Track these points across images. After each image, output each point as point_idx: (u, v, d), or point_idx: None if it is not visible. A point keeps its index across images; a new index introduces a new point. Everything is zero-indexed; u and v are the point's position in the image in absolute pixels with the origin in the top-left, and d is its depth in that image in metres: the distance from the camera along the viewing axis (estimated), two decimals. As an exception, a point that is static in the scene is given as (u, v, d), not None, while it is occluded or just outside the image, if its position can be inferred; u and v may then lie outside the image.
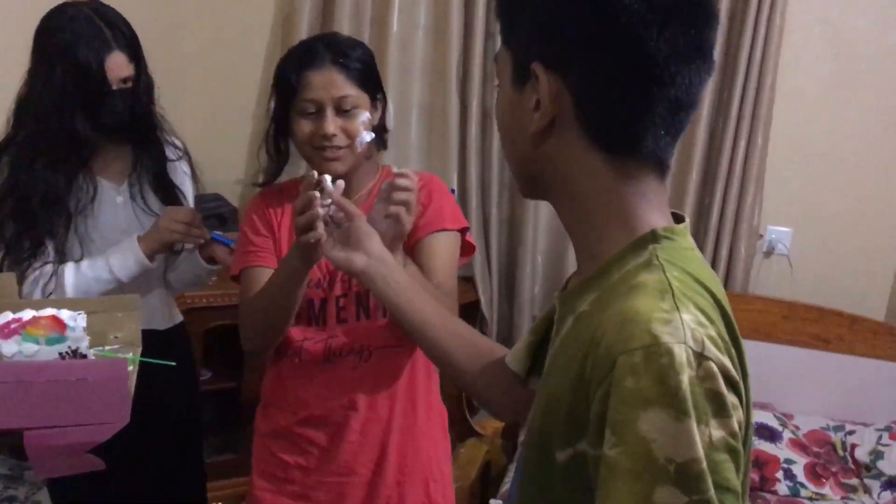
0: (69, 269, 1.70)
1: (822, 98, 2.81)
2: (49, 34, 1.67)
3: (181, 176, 1.89)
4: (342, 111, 1.54)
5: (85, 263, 1.72)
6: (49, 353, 0.97)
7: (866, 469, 2.42)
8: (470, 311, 2.89)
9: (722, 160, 2.80)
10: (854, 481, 2.42)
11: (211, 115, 2.91)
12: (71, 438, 1.02)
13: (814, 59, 2.80)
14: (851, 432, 2.54)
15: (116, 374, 0.97)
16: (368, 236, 1.23)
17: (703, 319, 0.74)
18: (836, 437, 2.54)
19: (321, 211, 1.26)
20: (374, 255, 1.21)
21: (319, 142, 1.53)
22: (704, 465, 0.69)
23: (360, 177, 1.63)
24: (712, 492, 0.69)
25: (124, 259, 1.71)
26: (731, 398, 0.72)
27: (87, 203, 1.72)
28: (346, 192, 1.60)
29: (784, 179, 2.85)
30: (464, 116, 2.92)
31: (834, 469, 2.44)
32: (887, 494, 2.31)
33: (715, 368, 0.71)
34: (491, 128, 2.93)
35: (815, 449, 2.49)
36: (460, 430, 2.44)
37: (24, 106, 1.69)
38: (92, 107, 1.67)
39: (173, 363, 0.99)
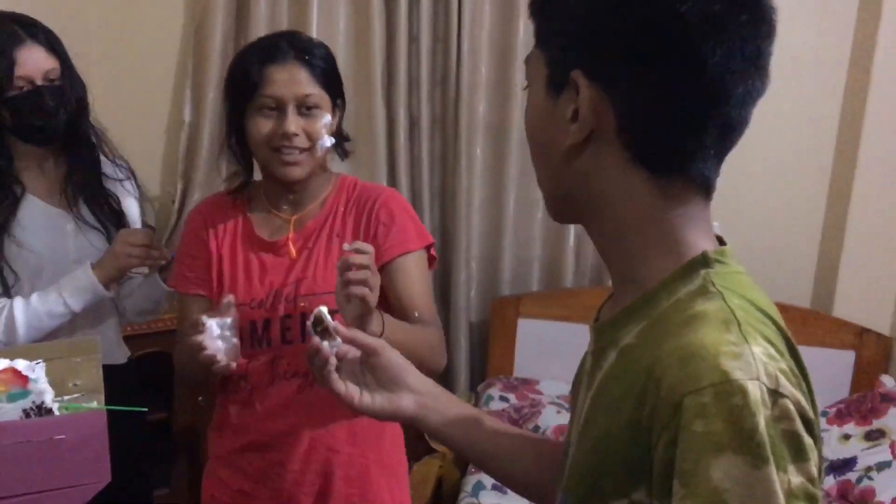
0: (18, 305, 1.56)
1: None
2: None
3: (126, 196, 1.76)
4: (304, 111, 1.46)
5: (35, 297, 1.58)
6: (11, 410, 0.85)
7: (807, 455, 2.48)
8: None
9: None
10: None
11: (121, 128, 2.74)
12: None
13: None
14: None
15: (94, 431, 0.86)
16: (405, 370, 1.03)
17: (773, 352, 0.68)
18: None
19: (327, 352, 1.03)
20: (420, 391, 1.02)
21: (279, 142, 1.45)
22: None
23: (315, 186, 1.55)
24: None
25: (79, 290, 1.58)
26: (807, 439, 0.66)
27: (16, 224, 1.60)
28: (299, 202, 1.53)
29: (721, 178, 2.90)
30: (390, 125, 2.86)
31: (775, 456, 2.50)
32: (830, 479, 2.38)
33: (791, 406, 0.65)
34: (419, 135, 2.87)
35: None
36: (416, 449, 2.37)
37: None
38: (9, 109, 1.56)
39: (145, 409, 0.89)
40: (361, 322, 1.29)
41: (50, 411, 0.88)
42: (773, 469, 0.62)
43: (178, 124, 2.82)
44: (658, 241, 0.76)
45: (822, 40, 2.80)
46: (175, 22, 2.82)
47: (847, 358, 2.74)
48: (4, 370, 0.86)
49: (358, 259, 1.27)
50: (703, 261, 0.74)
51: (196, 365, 1.37)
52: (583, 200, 0.78)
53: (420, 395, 1.02)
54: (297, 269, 1.51)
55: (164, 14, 2.82)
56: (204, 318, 1.33)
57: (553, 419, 2.54)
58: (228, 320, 1.36)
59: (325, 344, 1.01)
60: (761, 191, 2.91)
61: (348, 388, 1.02)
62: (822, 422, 2.54)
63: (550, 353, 2.82)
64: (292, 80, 1.44)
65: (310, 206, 1.55)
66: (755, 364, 0.65)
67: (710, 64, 0.70)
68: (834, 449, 2.44)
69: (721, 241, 0.80)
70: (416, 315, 1.48)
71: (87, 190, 1.70)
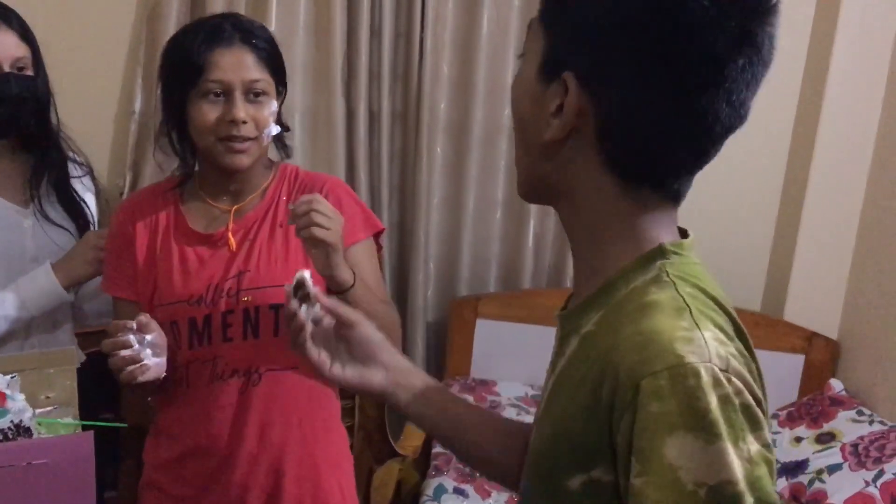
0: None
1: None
2: None
3: (84, 193, 1.68)
4: (251, 97, 1.40)
5: None
6: None
7: (760, 457, 2.53)
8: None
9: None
10: (748, 469, 2.52)
11: (67, 117, 2.62)
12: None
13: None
14: (741, 421, 2.64)
15: (81, 454, 0.80)
16: (379, 346, 1.04)
17: (722, 337, 0.72)
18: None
19: (304, 317, 1.02)
20: (392, 367, 1.03)
21: (226, 130, 1.38)
22: (741, 485, 0.67)
23: (256, 175, 1.49)
24: None
25: (38, 292, 1.50)
26: (757, 410, 0.71)
27: None
28: (240, 192, 1.47)
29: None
30: (350, 119, 2.80)
31: (728, 458, 2.53)
32: (782, 481, 2.42)
33: (741, 385, 0.70)
34: (378, 131, 2.82)
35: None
36: (380, 452, 2.33)
37: None
38: None
39: (124, 424, 0.83)
40: (329, 267, 1.27)
41: (28, 430, 0.82)
42: (726, 444, 0.67)
43: (127, 114, 2.71)
44: (622, 235, 0.80)
45: (777, 43, 2.84)
46: (127, 7, 2.70)
47: (796, 361, 2.80)
48: None
49: (300, 202, 1.26)
50: (660, 252, 0.79)
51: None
52: (554, 187, 0.82)
53: (391, 371, 1.02)
54: (238, 262, 1.45)
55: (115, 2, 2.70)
56: (131, 337, 1.26)
57: (513, 421, 2.53)
58: (148, 337, 1.28)
59: (304, 309, 1.00)
60: (713, 193, 2.92)
61: (321, 356, 1.02)
62: (774, 423, 2.60)
63: (508, 355, 2.81)
64: (239, 64, 1.38)
65: (250, 196, 1.49)
66: (706, 348, 0.69)
67: (696, 103, 0.74)
68: (786, 451, 2.49)
69: (684, 235, 0.84)
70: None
71: (54, 186, 1.61)
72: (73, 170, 1.67)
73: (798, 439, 2.52)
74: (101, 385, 2.47)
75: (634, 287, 0.77)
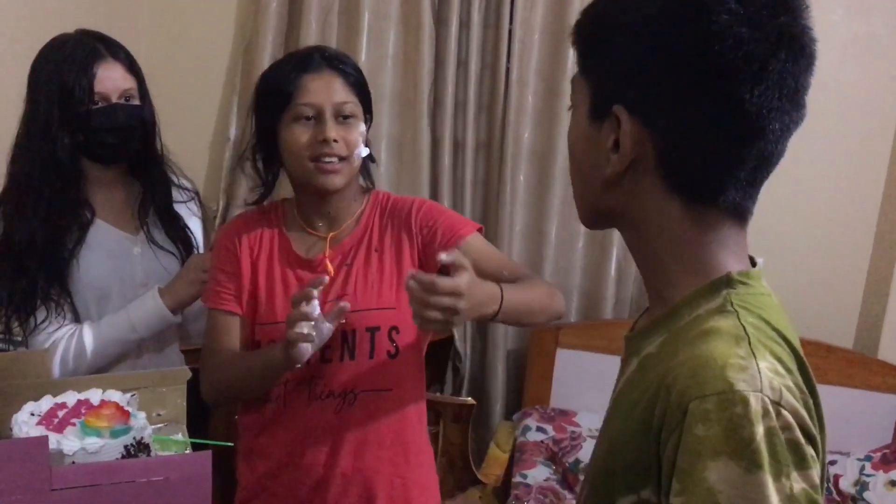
0: (87, 332, 1.54)
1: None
2: (37, 65, 1.52)
3: (189, 217, 1.75)
4: (340, 119, 1.45)
5: (104, 323, 1.56)
6: (114, 447, 0.82)
7: (853, 501, 2.44)
8: (444, 346, 2.80)
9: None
10: (840, 513, 2.43)
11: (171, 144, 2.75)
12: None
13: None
14: (833, 462, 2.55)
15: (201, 471, 0.83)
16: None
17: (780, 368, 0.72)
18: (817, 468, 2.56)
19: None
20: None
21: (318, 150, 1.43)
22: None
23: (349, 201, 1.53)
24: None
25: (147, 315, 1.57)
26: (808, 449, 0.69)
27: (84, 249, 1.58)
28: (335, 219, 1.52)
29: (756, 209, 2.87)
30: (435, 148, 2.84)
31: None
32: (877, 526, 2.33)
33: (792, 420, 0.69)
34: (462, 159, 2.86)
35: (799, 480, 2.49)
36: (461, 479, 2.34)
37: (16, 149, 1.53)
38: (84, 125, 1.54)
39: (231, 444, 0.86)
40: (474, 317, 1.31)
41: (148, 447, 0.86)
42: (766, 476, 0.66)
43: (222, 140, 2.82)
44: (688, 262, 0.80)
45: (872, 75, 2.77)
46: (225, 38, 2.83)
47: (891, 402, 2.69)
48: (107, 404, 0.83)
49: (449, 284, 1.19)
50: (727, 281, 0.78)
51: (261, 366, 1.36)
52: (619, 218, 0.83)
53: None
54: (336, 287, 1.49)
55: (214, 30, 2.83)
56: (315, 293, 1.32)
57: (593, 453, 2.50)
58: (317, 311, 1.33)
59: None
60: (807, 228, 2.87)
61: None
62: (867, 466, 2.50)
63: (588, 385, 2.78)
64: (329, 87, 1.44)
65: (345, 222, 1.53)
66: (759, 377, 0.69)
67: (748, 103, 0.73)
68: (881, 495, 2.39)
69: (753, 263, 0.83)
70: (506, 273, 1.45)
71: (159, 212, 1.69)
72: (179, 195, 1.75)
73: (893, 483, 2.42)
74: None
75: (698, 315, 0.77)
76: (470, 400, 2.48)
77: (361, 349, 1.47)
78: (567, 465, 2.52)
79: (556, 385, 2.85)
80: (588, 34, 0.82)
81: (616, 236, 2.87)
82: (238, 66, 2.79)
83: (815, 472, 0.69)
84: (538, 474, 2.51)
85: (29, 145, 1.53)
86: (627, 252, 2.89)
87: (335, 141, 1.42)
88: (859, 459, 2.53)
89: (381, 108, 2.82)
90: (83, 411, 0.87)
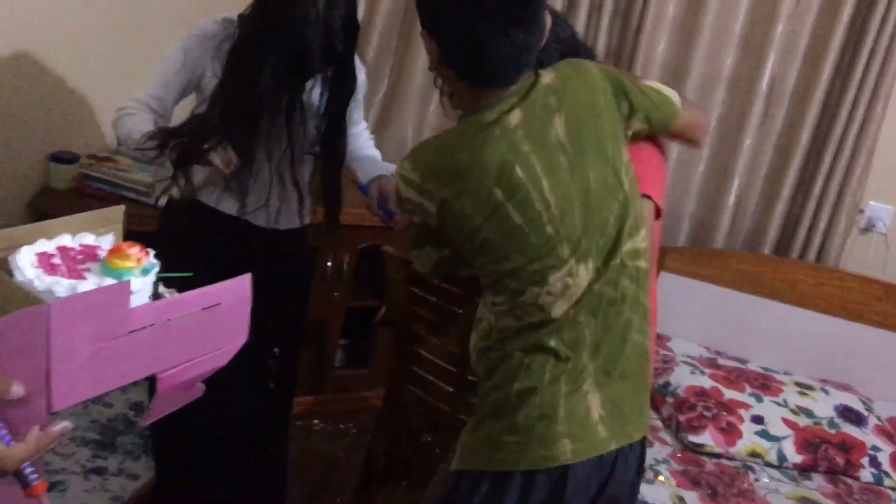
0: (140, 120, 1.68)
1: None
2: None
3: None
4: None
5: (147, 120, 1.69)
6: (146, 285, 0.84)
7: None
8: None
9: (836, 127, 2.64)
10: (938, 475, 2.33)
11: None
12: (196, 371, 0.90)
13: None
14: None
15: (243, 294, 0.89)
16: None
17: None
18: (919, 428, 2.45)
19: None
20: None
21: None
22: None
23: None
24: None
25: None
26: None
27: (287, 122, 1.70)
28: None
29: (893, 154, 2.70)
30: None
31: (919, 461, 2.35)
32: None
33: None
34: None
35: (899, 437, 2.39)
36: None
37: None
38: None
39: (190, 273, 0.86)
40: None
41: (157, 283, 0.88)
42: None
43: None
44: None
45: None
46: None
47: None
48: (132, 245, 0.84)
49: None
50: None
51: None
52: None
53: None
54: None
55: None
56: None
57: (686, 379, 2.45)
58: None
59: None
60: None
61: None
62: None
63: (688, 312, 2.71)
64: None
65: None
66: None
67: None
68: None
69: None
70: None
71: None
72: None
73: None
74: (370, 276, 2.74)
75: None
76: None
77: None
78: (656, 386, 2.48)
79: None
80: None
81: (740, 165, 2.74)
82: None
83: None
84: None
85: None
86: (749, 182, 2.77)
87: None
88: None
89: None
90: (98, 254, 0.86)
